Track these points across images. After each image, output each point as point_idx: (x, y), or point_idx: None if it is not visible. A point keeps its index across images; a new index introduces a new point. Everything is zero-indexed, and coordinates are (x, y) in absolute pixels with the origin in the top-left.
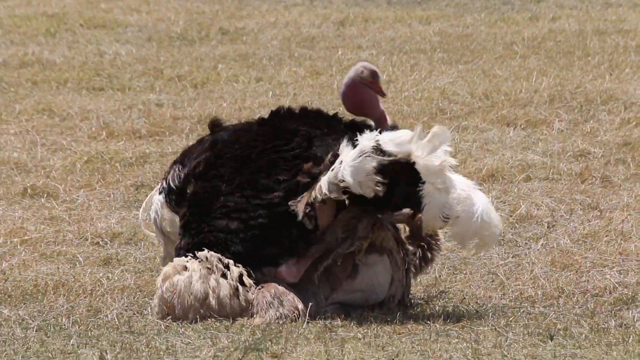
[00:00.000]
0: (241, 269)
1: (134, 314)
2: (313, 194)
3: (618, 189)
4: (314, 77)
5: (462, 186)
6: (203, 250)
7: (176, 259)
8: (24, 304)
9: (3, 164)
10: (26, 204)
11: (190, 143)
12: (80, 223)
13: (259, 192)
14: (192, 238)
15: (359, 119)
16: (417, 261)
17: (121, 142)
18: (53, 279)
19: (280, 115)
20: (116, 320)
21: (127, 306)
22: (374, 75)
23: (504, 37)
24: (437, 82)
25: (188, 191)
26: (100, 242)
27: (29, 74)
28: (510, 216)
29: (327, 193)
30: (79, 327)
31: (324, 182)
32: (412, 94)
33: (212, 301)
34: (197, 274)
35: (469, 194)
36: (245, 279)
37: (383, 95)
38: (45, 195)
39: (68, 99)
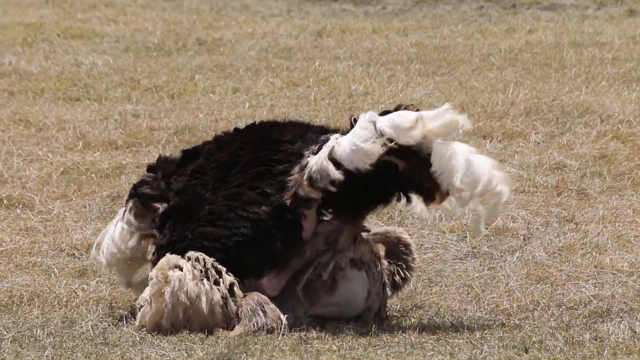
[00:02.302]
0: (232, 278)
1: (109, 325)
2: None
3: (594, 202)
4: (290, 88)
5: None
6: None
7: (169, 255)
8: None
9: None
10: (1, 215)
11: (167, 153)
12: (56, 234)
13: (244, 204)
14: (175, 243)
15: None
16: (396, 279)
17: (97, 152)
18: (28, 290)
19: (264, 126)
20: (91, 331)
21: (102, 318)
22: None
23: (480, 48)
24: (414, 94)
25: (170, 194)
26: (76, 254)
27: (6, 84)
28: (486, 228)
29: (317, 177)
30: (53, 339)
31: (315, 161)
32: (389, 105)
33: (203, 305)
34: (190, 274)
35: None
36: (236, 289)
37: None
38: (21, 206)
39: (44, 109)
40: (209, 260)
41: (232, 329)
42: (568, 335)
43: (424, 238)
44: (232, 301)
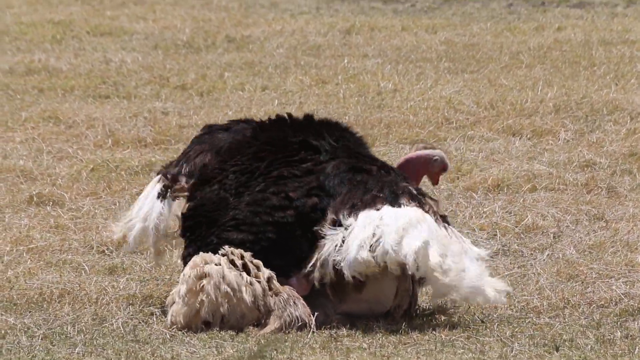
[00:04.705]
0: (270, 272)
1: (139, 322)
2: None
3: (624, 200)
4: (319, 86)
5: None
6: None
7: (202, 254)
8: (30, 312)
9: (9, 171)
10: (32, 212)
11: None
12: (85, 231)
13: (269, 209)
14: (201, 248)
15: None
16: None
17: (127, 150)
18: (58, 287)
19: (284, 124)
20: (121, 328)
21: (132, 315)
22: (442, 168)
23: (509, 46)
24: (443, 92)
25: (191, 193)
26: (106, 251)
27: (35, 82)
28: (516, 226)
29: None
30: (84, 336)
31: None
32: (418, 103)
33: (246, 296)
34: (229, 267)
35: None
36: (274, 283)
37: (435, 184)
38: (51, 203)
39: (74, 107)
40: (247, 254)
41: (264, 325)
42: (599, 334)
43: None
44: (270, 295)
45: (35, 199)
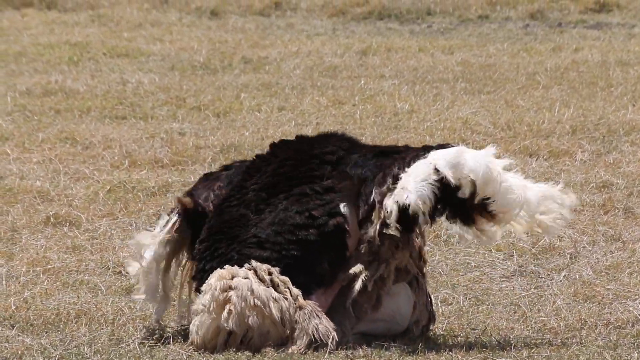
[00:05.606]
0: (297, 289)
1: (156, 343)
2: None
3: None
4: (336, 107)
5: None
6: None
7: (228, 266)
8: (46, 332)
9: (26, 192)
10: (49, 233)
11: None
12: (102, 252)
13: (293, 227)
14: (221, 264)
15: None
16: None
17: (144, 171)
18: (75, 308)
19: (300, 141)
20: (138, 349)
21: (149, 335)
22: None
23: (526, 67)
24: (460, 112)
25: (208, 214)
26: (123, 272)
27: (52, 103)
28: (533, 247)
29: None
30: (100, 356)
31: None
32: (435, 123)
33: (274, 311)
34: (257, 281)
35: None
36: (301, 300)
37: None
38: (68, 224)
39: (91, 128)
40: (274, 270)
41: (291, 342)
42: (616, 355)
43: (470, 257)
44: (296, 311)
45: (52, 219)
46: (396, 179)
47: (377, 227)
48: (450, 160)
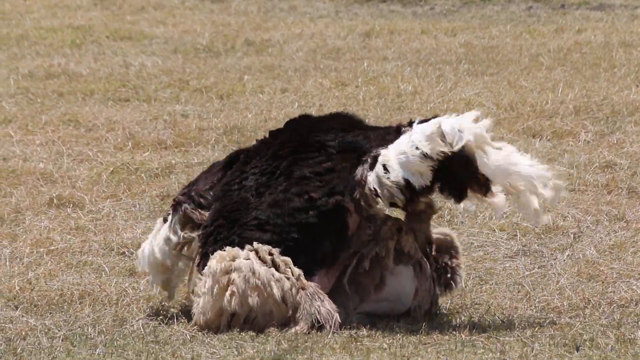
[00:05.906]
0: (298, 269)
1: (160, 323)
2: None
3: None
4: (339, 88)
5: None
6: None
7: (229, 248)
8: (50, 313)
9: (29, 174)
10: (52, 214)
11: (216, 154)
12: (106, 233)
13: (292, 210)
14: (223, 246)
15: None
16: (448, 277)
17: (147, 152)
18: (79, 288)
19: (303, 123)
20: (142, 329)
21: (152, 316)
22: None
23: (529, 48)
24: (463, 94)
25: (210, 200)
26: (126, 252)
27: (55, 85)
28: (536, 227)
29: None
30: (104, 337)
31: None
32: (438, 105)
33: (275, 291)
34: (258, 261)
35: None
36: (302, 280)
37: None
38: (71, 205)
39: (94, 110)
40: (275, 251)
41: (293, 323)
42: (619, 333)
43: (473, 236)
44: (298, 291)
45: (55, 201)
46: (375, 159)
47: (369, 202)
48: (429, 131)
